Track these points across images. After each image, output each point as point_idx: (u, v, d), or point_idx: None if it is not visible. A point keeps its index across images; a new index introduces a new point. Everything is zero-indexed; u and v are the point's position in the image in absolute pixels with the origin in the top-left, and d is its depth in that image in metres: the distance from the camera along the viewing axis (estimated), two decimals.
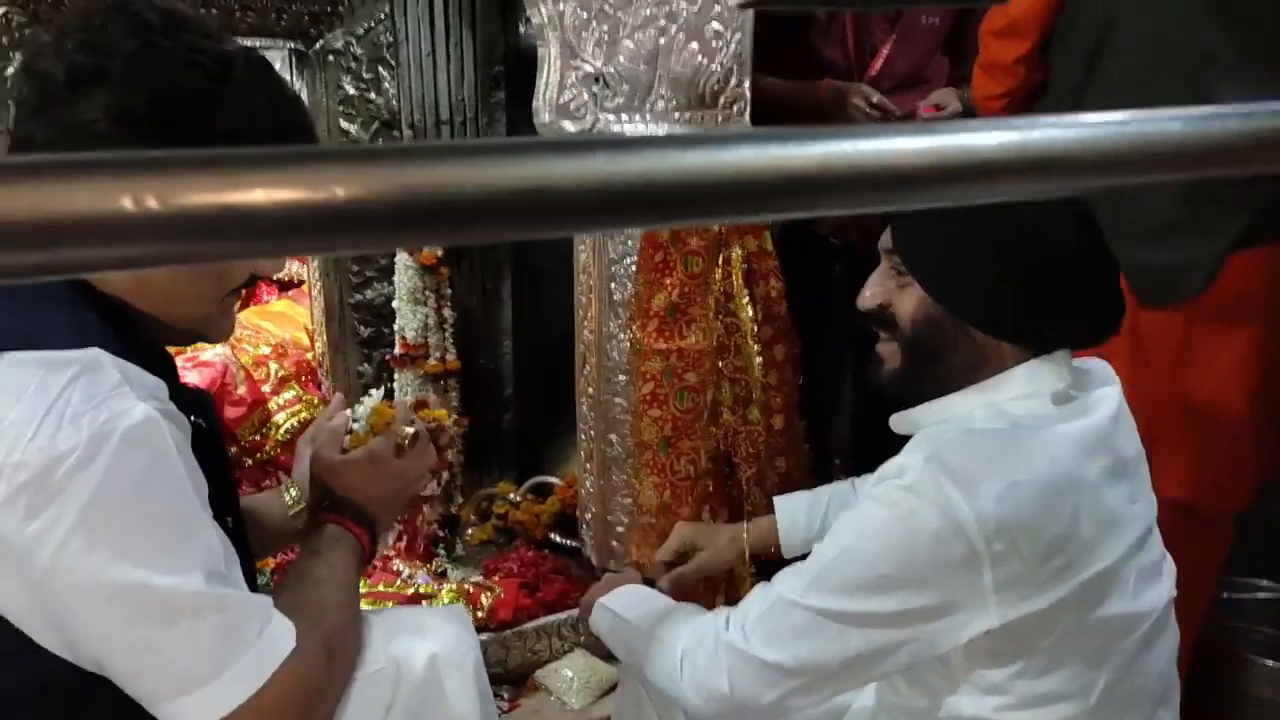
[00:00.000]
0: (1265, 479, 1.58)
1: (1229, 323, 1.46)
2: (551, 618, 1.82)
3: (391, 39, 1.93)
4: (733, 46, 1.66)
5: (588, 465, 1.91)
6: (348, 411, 1.19)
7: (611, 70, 1.66)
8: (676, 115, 1.68)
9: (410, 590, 1.81)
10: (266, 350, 2.20)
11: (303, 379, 2.20)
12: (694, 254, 1.65)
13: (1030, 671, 0.95)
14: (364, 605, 1.17)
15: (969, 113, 1.85)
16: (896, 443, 1.02)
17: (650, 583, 1.33)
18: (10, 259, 0.27)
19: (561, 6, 1.61)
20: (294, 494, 1.16)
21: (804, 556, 1.03)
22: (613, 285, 1.76)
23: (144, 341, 0.87)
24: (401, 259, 1.93)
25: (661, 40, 1.65)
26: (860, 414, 2.35)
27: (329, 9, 1.88)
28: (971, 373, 1.02)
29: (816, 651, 0.96)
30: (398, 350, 1.96)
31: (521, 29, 2.03)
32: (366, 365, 2.10)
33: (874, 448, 1.13)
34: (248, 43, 1.10)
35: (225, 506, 0.91)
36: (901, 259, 1.03)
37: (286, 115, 0.88)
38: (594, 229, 0.34)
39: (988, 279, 0.98)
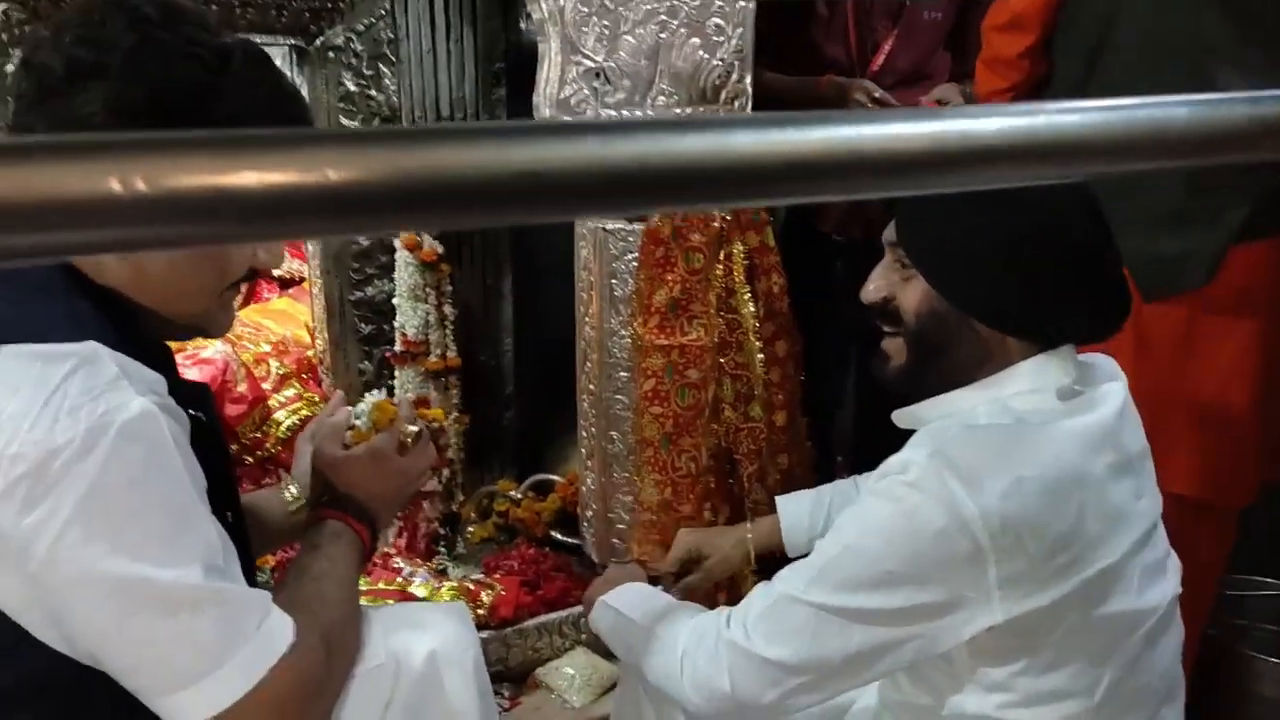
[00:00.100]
0: (1269, 476, 1.57)
1: (1232, 316, 1.46)
2: (552, 615, 1.82)
3: (392, 35, 1.93)
4: (734, 41, 1.66)
5: (589, 463, 1.90)
6: (348, 408, 1.19)
7: (612, 65, 1.65)
8: (678, 110, 1.68)
9: (411, 588, 1.81)
10: (267, 348, 2.19)
11: (303, 376, 2.19)
12: (695, 249, 1.65)
13: (1034, 669, 0.94)
14: (364, 602, 1.16)
15: None
16: (900, 439, 1.02)
17: (654, 580, 1.32)
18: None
19: (562, 2, 1.61)
20: (294, 491, 1.16)
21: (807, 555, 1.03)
22: (614, 281, 1.76)
23: (143, 336, 0.87)
24: (402, 256, 1.93)
25: (662, 35, 1.64)
26: (863, 410, 2.34)
27: (329, 5, 1.87)
28: (976, 368, 1.01)
29: (819, 649, 0.96)
30: (398, 347, 1.96)
31: (522, 25, 2.03)
32: (367, 363, 2.09)
33: (877, 444, 1.12)
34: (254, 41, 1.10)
35: (225, 501, 0.91)
36: (906, 252, 1.02)
37: (285, 107, 0.88)
38: (588, 213, 0.33)
39: (992, 272, 0.97)
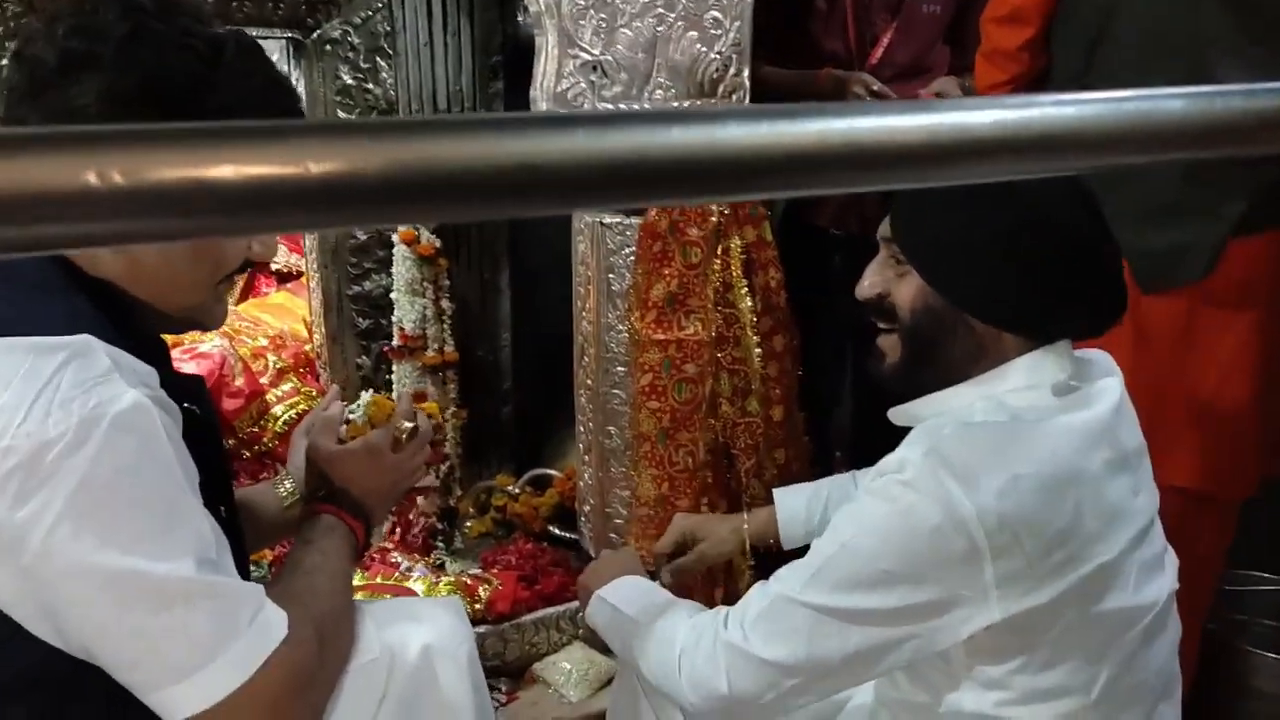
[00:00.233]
0: (1269, 470, 1.57)
1: (1232, 309, 1.46)
2: (550, 610, 1.82)
3: (389, 28, 1.92)
4: (731, 35, 1.65)
5: (586, 457, 1.90)
6: (341, 402, 1.19)
7: (609, 58, 1.64)
8: (675, 104, 1.67)
9: (408, 583, 1.81)
10: (265, 342, 2.19)
11: (301, 371, 2.19)
12: (693, 244, 1.64)
13: (1031, 666, 0.94)
14: (361, 598, 1.16)
15: None
16: (897, 434, 1.01)
17: (651, 574, 1.32)
18: None
19: None
20: (289, 486, 1.15)
21: (804, 550, 1.02)
22: (611, 276, 1.76)
23: (137, 329, 0.87)
24: (400, 250, 1.93)
25: (660, 28, 1.63)
26: (860, 405, 2.34)
27: None
28: (971, 364, 1.01)
29: (817, 649, 0.95)
30: (396, 342, 1.95)
31: (519, 18, 2.02)
32: (365, 357, 2.09)
33: (874, 439, 1.12)
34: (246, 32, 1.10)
35: (219, 495, 0.90)
36: (900, 247, 1.02)
37: (278, 100, 0.88)
38: (577, 207, 0.33)
39: (988, 267, 0.96)
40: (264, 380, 2.12)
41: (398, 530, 1.93)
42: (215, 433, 0.98)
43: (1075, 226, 0.96)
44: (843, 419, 2.41)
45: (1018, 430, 0.94)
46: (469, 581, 1.81)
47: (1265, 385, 1.49)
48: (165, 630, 0.78)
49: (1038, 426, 0.94)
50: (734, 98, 1.69)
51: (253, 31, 1.81)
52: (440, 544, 1.98)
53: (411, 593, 1.76)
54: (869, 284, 1.05)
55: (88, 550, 0.74)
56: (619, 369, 1.78)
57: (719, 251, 1.66)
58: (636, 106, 1.67)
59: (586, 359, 1.83)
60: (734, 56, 1.67)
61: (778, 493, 1.42)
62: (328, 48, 1.90)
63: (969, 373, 1.01)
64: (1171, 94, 0.42)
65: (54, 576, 0.75)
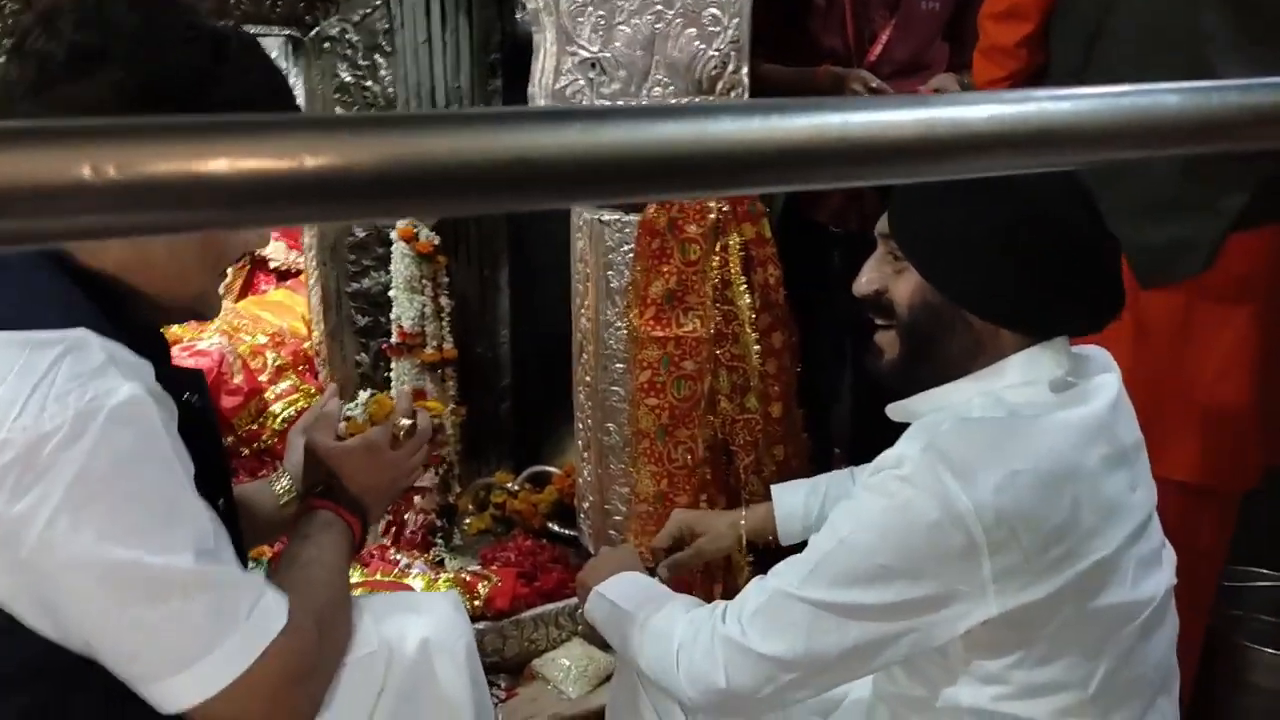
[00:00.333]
0: (1271, 461, 1.58)
1: (1231, 304, 1.46)
2: (549, 607, 1.82)
3: (387, 26, 1.92)
4: (730, 32, 1.65)
5: (585, 454, 1.90)
6: (339, 400, 1.19)
7: (608, 55, 1.64)
8: (674, 101, 1.67)
9: (408, 579, 1.81)
10: (264, 340, 2.19)
11: (299, 368, 2.19)
12: (692, 241, 1.64)
13: (1029, 661, 0.94)
14: (359, 594, 1.16)
15: None
16: (896, 431, 1.01)
17: (650, 570, 1.32)
18: None
19: None
20: (285, 484, 1.15)
21: (802, 546, 1.02)
22: (610, 273, 1.76)
23: (134, 322, 0.87)
24: (399, 247, 1.92)
25: (658, 25, 1.63)
26: (859, 403, 2.34)
27: None
28: (969, 360, 1.01)
29: (814, 644, 0.95)
30: (394, 339, 1.95)
31: (518, 15, 2.02)
32: (364, 354, 2.09)
33: (873, 437, 1.12)
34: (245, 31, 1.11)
35: (217, 488, 0.90)
36: (898, 244, 1.02)
37: (278, 95, 0.88)
38: (572, 201, 0.33)
39: (985, 264, 0.96)
40: (263, 378, 2.12)
41: (393, 529, 1.93)
42: (214, 425, 0.98)
43: (1073, 223, 0.96)
44: (842, 416, 2.41)
45: (1015, 426, 0.95)
46: (468, 578, 1.81)
47: (1263, 380, 1.50)
48: (164, 621, 0.78)
49: (1035, 422, 0.95)
50: (732, 95, 1.69)
51: (251, 28, 1.81)
52: (439, 541, 1.98)
53: (409, 589, 1.76)
54: (867, 280, 1.05)
55: (86, 543, 0.74)
56: (618, 366, 1.78)
57: (718, 248, 1.66)
58: (635, 104, 1.67)
59: (585, 356, 1.83)
60: (732, 53, 1.67)
61: (776, 489, 1.42)
62: (326, 45, 1.90)
63: (967, 369, 1.01)
64: (1168, 89, 0.42)
65: (52, 570, 0.75)
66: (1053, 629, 0.93)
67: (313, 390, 2.14)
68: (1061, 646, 0.94)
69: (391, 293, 1.95)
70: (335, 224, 1.91)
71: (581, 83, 1.65)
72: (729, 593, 1.08)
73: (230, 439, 1.98)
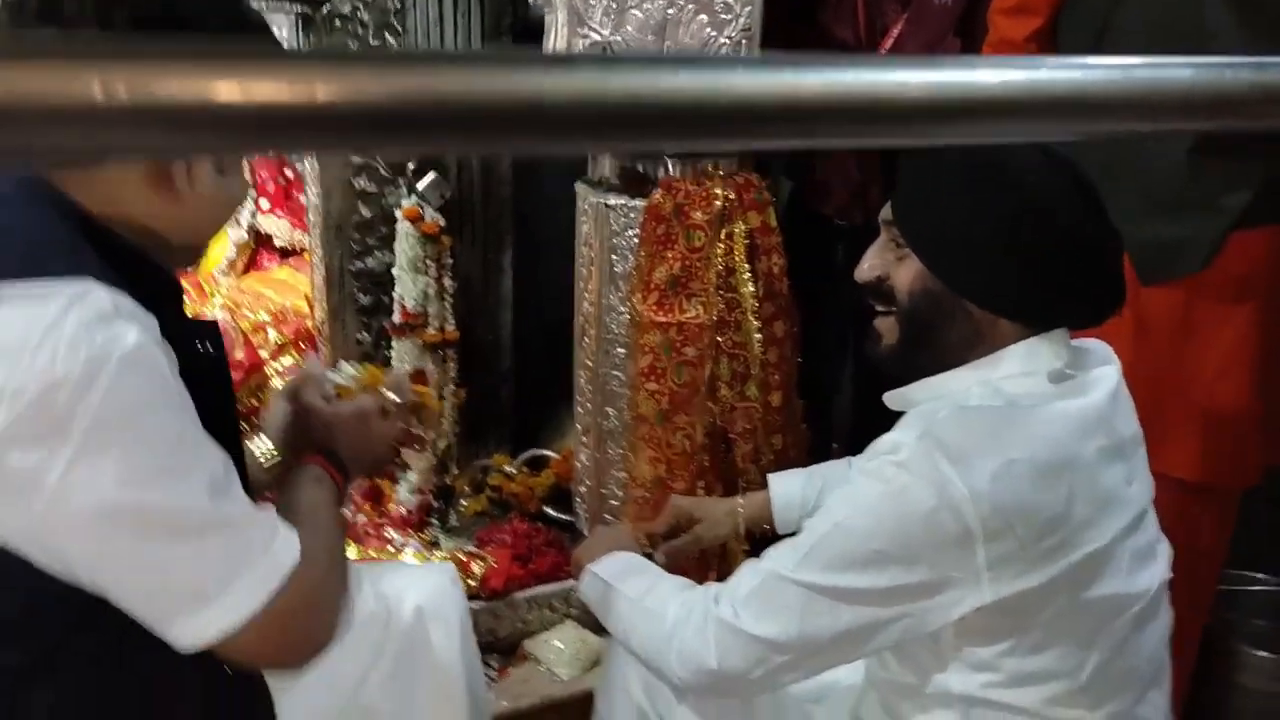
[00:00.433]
0: (1271, 460, 1.58)
1: (1231, 302, 1.47)
2: (543, 588, 1.82)
3: (399, 5, 1.91)
4: (742, 20, 1.65)
5: (584, 438, 1.90)
6: (320, 364, 1.20)
7: (619, 39, 1.64)
8: None
9: (402, 558, 1.81)
10: (266, 317, 2.20)
11: (301, 346, 2.19)
12: (697, 227, 1.64)
13: (1021, 649, 0.95)
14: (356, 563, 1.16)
15: None
16: (895, 423, 1.02)
17: (647, 554, 1.32)
18: None
19: None
20: (268, 446, 1.15)
21: (798, 533, 1.03)
22: (614, 257, 1.75)
23: (141, 273, 0.86)
24: (403, 227, 1.92)
25: (670, 11, 1.63)
26: (860, 395, 2.34)
27: None
28: (968, 349, 1.01)
29: (807, 627, 0.96)
30: (396, 319, 1.95)
31: None
32: (365, 333, 2.09)
33: (873, 430, 1.12)
34: (253, 6, 1.11)
35: (228, 440, 0.91)
36: (901, 231, 1.02)
37: (237, 8, 0.90)
38: (578, 146, 0.33)
39: (987, 253, 0.96)
40: (264, 354, 2.13)
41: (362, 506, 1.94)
42: (227, 377, 0.98)
43: (1076, 217, 0.96)
44: (842, 408, 2.41)
45: (1013, 415, 0.95)
46: (463, 558, 1.82)
47: (1263, 378, 1.50)
48: (183, 560, 0.79)
49: (1033, 412, 0.95)
50: None
51: (262, 5, 1.81)
52: (435, 521, 1.98)
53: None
54: (868, 266, 1.06)
55: (105, 488, 0.75)
56: (619, 350, 1.78)
57: (723, 236, 1.66)
58: None
59: (587, 340, 1.83)
60: (744, 41, 1.67)
61: (773, 478, 1.42)
62: (337, 23, 1.90)
63: (965, 357, 1.01)
64: (1182, 63, 0.42)
65: (70, 515, 0.76)
66: (1046, 618, 0.93)
67: None
68: (1054, 635, 0.94)
69: (395, 272, 1.95)
70: (342, 156, 1.91)
71: None
72: (724, 578, 1.09)
73: None
